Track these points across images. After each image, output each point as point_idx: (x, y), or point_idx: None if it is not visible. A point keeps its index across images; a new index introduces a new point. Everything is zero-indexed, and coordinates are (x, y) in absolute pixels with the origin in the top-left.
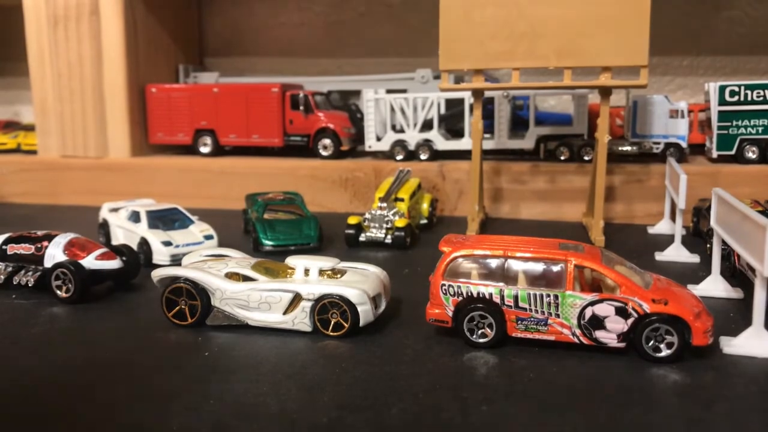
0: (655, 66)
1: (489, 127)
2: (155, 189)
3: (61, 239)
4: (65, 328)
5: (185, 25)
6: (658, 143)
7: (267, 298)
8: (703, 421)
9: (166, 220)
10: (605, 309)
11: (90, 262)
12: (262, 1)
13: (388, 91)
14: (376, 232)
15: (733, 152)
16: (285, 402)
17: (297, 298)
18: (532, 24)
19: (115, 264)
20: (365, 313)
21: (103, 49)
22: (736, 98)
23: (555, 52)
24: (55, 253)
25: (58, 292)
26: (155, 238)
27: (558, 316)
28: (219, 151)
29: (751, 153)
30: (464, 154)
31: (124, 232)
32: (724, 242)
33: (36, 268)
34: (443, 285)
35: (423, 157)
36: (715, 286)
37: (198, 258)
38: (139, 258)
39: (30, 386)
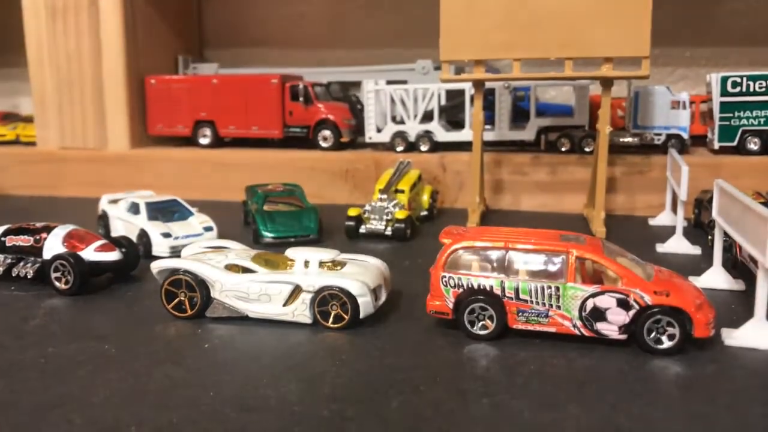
0: (656, 57)
1: (490, 119)
2: (154, 180)
3: (60, 231)
4: (64, 321)
5: (184, 16)
6: (660, 134)
7: (267, 289)
8: (704, 413)
9: (165, 211)
10: (606, 301)
11: (89, 253)
12: None
13: (389, 82)
14: (376, 224)
15: (734, 143)
16: (285, 394)
17: (297, 290)
18: (534, 14)
19: (114, 256)
20: (365, 304)
21: (102, 40)
22: (738, 89)
23: (556, 42)
24: (54, 245)
25: (57, 283)
26: (155, 230)
27: (559, 307)
28: (218, 142)
29: (753, 144)
30: (465, 146)
31: (124, 224)
32: (725, 234)
33: (35, 259)
34: (444, 277)
35: (423, 148)
36: (716, 278)
37: (198, 250)
38: (138, 250)
39: (29, 379)
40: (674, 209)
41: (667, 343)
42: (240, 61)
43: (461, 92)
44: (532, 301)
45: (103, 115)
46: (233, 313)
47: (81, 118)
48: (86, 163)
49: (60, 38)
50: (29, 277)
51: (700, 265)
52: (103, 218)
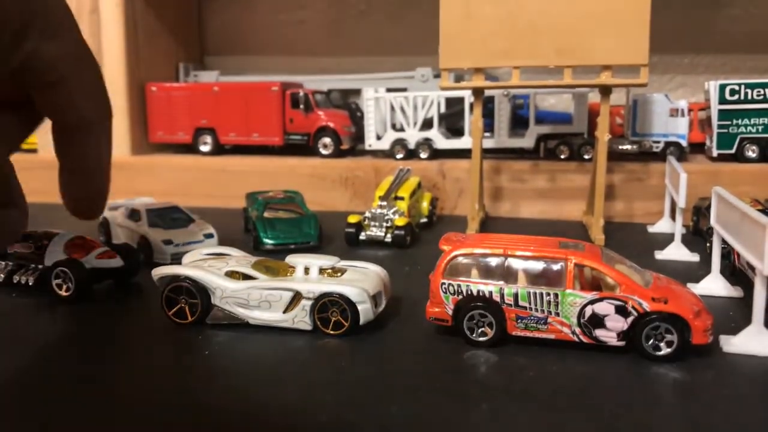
0: (655, 64)
1: (489, 126)
2: (155, 187)
3: (62, 238)
4: (66, 327)
5: (185, 24)
6: (658, 142)
7: (267, 296)
8: (702, 420)
9: (166, 218)
10: (605, 307)
11: (90, 260)
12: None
13: (389, 90)
14: (376, 231)
15: (733, 151)
16: (285, 401)
17: (297, 297)
18: (533, 22)
19: (115, 263)
20: (365, 311)
21: (103, 47)
22: (736, 97)
23: (555, 50)
24: (55, 252)
25: (59, 291)
26: (156, 237)
27: (558, 314)
28: (219, 149)
29: (751, 152)
30: (464, 153)
31: (124, 231)
32: (724, 241)
33: (36, 266)
34: (443, 283)
35: (423, 155)
36: (714, 285)
37: (198, 256)
38: (138, 256)
39: (30, 385)
40: (673, 216)
41: (665, 350)
42: (240, 69)
43: (461, 100)
44: (531, 308)
45: None
46: (233, 320)
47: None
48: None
49: None
50: (30, 284)
51: (699, 272)
52: (104, 225)
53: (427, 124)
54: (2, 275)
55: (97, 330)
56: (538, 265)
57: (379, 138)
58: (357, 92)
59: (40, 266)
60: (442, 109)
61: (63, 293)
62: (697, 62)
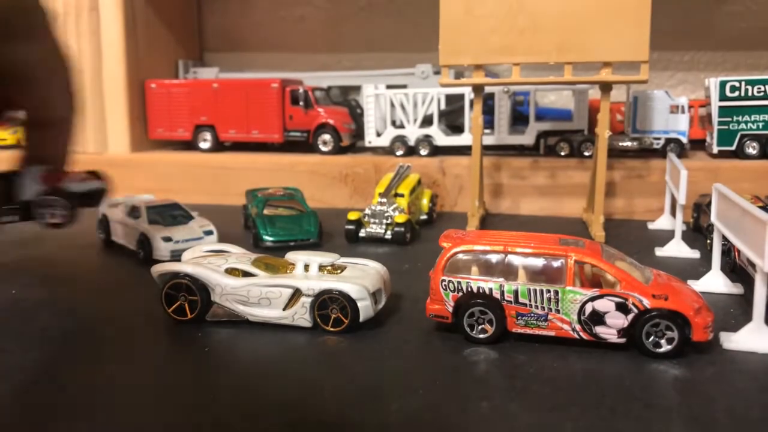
0: (655, 61)
1: (489, 123)
2: (155, 184)
3: (32, 171)
4: (63, 322)
5: (185, 21)
6: (659, 139)
7: (267, 293)
8: (702, 417)
9: (165, 215)
10: (605, 304)
11: (73, 185)
12: None
13: (388, 87)
14: (376, 228)
15: (733, 148)
16: (285, 397)
17: (297, 294)
18: (533, 19)
19: (99, 184)
20: (365, 308)
21: (103, 44)
22: (736, 93)
23: (556, 47)
24: (31, 185)
25: (49, 219)
26: (155, 234)
27: (558, 311)
28: (219, 146)
29: (752, 148)
30: (464, 150)
31: (124, 228)
32: (724, 238)
33: (7, 206)
34: (443, 280)
35: (423, 152)
36: (715, 282)
37: (198, 253)
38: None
39: (31, 384)
40: (673, 213)
41: (665, 347)
42: (240, 66)
43: (461, 96)
44: (531, 305)
45: (103, 119)
46: (233, 317)
47: (81, 122)
48: (86, 166)
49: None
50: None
51: (699, 268)
52: (104, 222)
53: (427, 121)
54: None
55: (96, 327)
56: (539, 262)
57: (379, 135)
58: (357, 89)
59: (11, 203)
60: (442, 106)
61: (52, 221)
62: (697, 59)
